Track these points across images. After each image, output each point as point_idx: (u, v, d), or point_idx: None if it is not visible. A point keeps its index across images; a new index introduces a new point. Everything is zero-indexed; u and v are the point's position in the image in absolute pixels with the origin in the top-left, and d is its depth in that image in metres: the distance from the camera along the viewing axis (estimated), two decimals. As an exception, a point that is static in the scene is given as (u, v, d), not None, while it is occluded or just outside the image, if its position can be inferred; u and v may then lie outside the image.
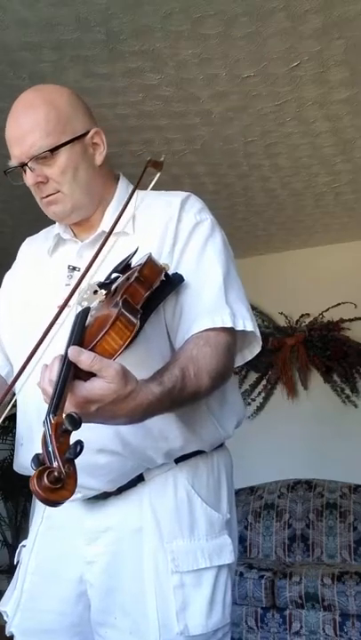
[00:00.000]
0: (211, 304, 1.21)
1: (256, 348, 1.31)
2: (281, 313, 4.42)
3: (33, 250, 1.45)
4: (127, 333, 0.96)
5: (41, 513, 1.33)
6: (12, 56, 2.26)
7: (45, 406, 1.00)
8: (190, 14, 2.05)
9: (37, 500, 1.34)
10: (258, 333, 1.27)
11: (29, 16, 2.05)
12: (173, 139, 2.87)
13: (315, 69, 2.38)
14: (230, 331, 1.21)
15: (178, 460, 1.24)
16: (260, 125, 2.78)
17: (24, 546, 1.35)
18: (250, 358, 1.33)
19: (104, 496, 1.23)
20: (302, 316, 4.37)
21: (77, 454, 0.85)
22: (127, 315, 0.97)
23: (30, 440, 1.25)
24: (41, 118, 1.23)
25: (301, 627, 3.26)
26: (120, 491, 1.22)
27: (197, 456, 1.26)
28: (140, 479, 1.23)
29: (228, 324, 1.19)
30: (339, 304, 4.21)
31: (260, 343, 1.31)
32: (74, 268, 1.30)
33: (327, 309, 4.26)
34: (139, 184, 1.27)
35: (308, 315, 4.36)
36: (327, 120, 2.75)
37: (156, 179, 1.32)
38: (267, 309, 4.46)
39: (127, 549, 1.21)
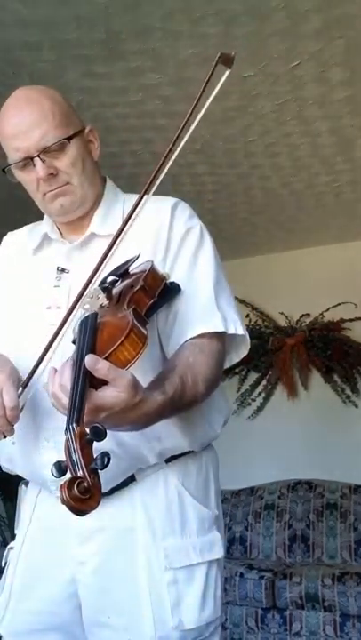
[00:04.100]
0: (203, 310, 1.24)
1: (243, 351, 1.34)
2: (281, 313, 4.42)
3: (16, 247, 1.44)
4: (140, 345, 0.98)
5: (29, 514, 1.33)
6: (12, 55, 2.26)
7: (52, 410, 1.02)
8: (190, 14, 2.05)
9: (24, 503, 1.36)
10: (247, 336, 1.30)
11: (29, 15, 2.05)
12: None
13: (315, 69, 2.37)
14: (221, 336, 1.24)
15: (168, 460, 1.26)
16: (261, 125, 2.78)
17: (12, 548, 1.35)
18: (237, 361, 1.36)
19: None
20: (303, 315, 4.37)
21: (105, 466, 0.86)
22: (138, 326, 0.99)
23: (27, 442, 1.25)
24: (47, 111, 1.24)
25: (302, 627, 3.26)
26: (112, 491, 1.23)
27: (187, 455, 1.28)
28: (131, 479, 1.24)
29: (220, 329, 1.23)
30: (339, 304, 4.20)
31: (248, 346, 1.33)
32: (62, 270, 1.31)
33: (327, 309, 4.25)
34: (207, 83, 1.19)
35: (308, 315, 4.36)
36: (328, 120, 2.75)
37: (225, 76, 1.25)
38: (267, 309, 4.46)
39: (120, 548, 1.22)
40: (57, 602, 1.26)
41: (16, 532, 1.37)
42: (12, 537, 1.38)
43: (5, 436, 1.14)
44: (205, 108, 1.20)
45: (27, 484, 1.37)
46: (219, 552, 1.27)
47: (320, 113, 2.69)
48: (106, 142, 2.86)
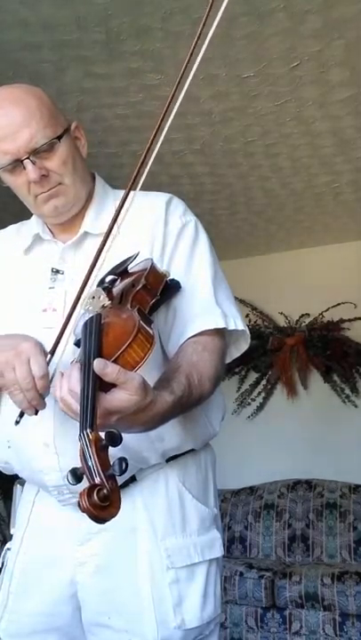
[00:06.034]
0: (202, 306, 1.23)
1: (243, 346, 1.32)
2: (281, 313, 4.42)
3: (5, 246, 1.40)
4: (147, 346, 0.96)
5: (27, 516, 1.32)
6: (12, 56, 2.26)
7: (50, 414, 1.00)
8: (190, 14, 2.05)
9: (21, 503, 1.34)
10: (247, 331, 1.29)
11: (29, 16, 2.05)
12: (173, 138, 2.87)
13: (315, 69, 2.38)
14: (222, 332, 1.23)
15: (168, 460, 1.25)
16: (260, 125, 2.79)
17: (9, 549, 1.33)
18: (237, 356, 1.34)
19: None
20: (302, 316, 4.37)
21: (123, 472, 0.83)
22: (145, 326, 0.98)
23: (25, 447, 1.23)
24: (35, 111, 1.21)
25: (301, 626, 3.26)
26: None
27: (187, 454, 1.28)
28: (132, 479, 1.23)
29: (221, 325, 1.21)
30: (339, 304, 4.21)
31: (248, 340, 1.31)
32: (57, 271, 1.28)
33: (327, 309, 4.26)
34: (209, 12, 1.14)
35: (308, 315, 4.36)
36: (327, 120, 2.75)
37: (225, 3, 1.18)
38: (267, 309, 4.47)
39: (121, 549, 1.21)
40: (56, 603, 1.24)
41: (12, 532, 1.36)
42: (11, 536, 1.37)
43: (37, 412, 1.09)
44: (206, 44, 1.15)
45: (22, 483, 1.36)
46: (219, 551, 1.27)
47: (320, 113, 2.69)
48: (106, 143, 2.89)
